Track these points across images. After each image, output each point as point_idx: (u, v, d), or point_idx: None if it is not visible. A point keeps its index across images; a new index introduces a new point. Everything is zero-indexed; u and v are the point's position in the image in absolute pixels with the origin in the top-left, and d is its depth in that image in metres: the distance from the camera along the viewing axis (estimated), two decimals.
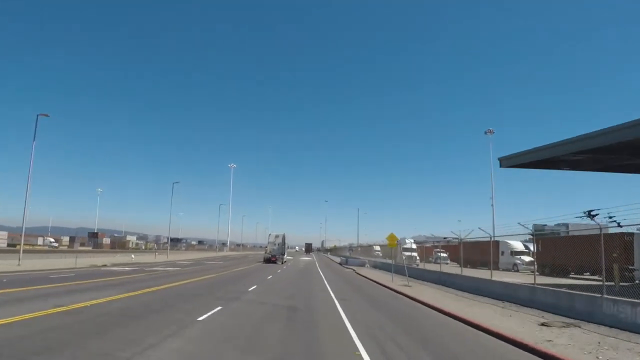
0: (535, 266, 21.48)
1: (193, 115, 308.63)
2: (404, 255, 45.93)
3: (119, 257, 54.74)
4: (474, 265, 44.35)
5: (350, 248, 68.70)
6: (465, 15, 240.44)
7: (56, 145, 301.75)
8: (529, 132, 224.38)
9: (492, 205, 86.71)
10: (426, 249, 72.60)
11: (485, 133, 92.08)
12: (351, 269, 46.35)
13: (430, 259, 64.60)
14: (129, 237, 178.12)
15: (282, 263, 55.59)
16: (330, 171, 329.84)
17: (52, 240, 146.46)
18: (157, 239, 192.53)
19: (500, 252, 48.78)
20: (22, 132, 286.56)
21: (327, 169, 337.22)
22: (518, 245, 48.35)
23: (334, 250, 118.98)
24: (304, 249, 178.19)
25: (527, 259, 44.37)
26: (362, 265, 49.51)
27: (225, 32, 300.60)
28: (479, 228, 32.60)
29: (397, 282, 27.00)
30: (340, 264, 58.45)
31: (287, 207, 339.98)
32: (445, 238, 46.69)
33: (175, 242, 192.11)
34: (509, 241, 49.13)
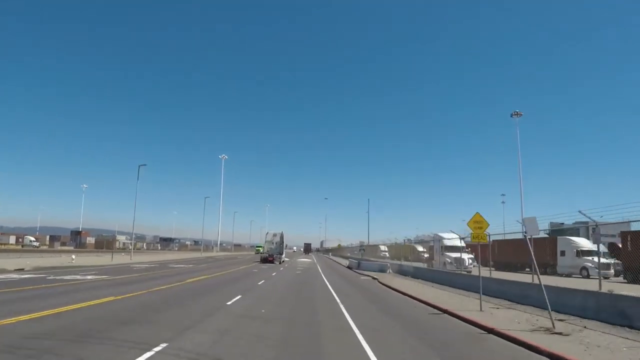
0: None
1: (193, 115, 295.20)
2: (447, 258, 31.67)
3: (63, 258, 40.99)
4: (513, 268, 34.73)
5: (362, 247, 54.27)
6: (465, 15, 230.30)
7: (56, 147, 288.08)
8: (530, 132, 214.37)
9: (521, 195, 72.93)
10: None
11: (512, 116, 78.92)
12: (368, 275, 32.02)
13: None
14: (118, 237, 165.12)
15: (280, 263, 50.11)
16: (330, 171, 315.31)
17: (32, 239, 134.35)
18: (154, 239, 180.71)
19: (558, 252, 35.64)
20: (20, 133, 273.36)
21: (326, 169, 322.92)
22: (585, 243, 35.13)
23: (336, 251, 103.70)
24: (302, 249, 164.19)
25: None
26: (383, 270, 35.12)
27: (225, 32, 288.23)
28: (518, 221, 19.80)
29: (493, 312, 12.85)
30: (349, 267, 44.01)
31: (286, 208, 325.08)
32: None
33: (167, 241, 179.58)
34: (572, 238, 35.93)
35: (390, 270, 34.62)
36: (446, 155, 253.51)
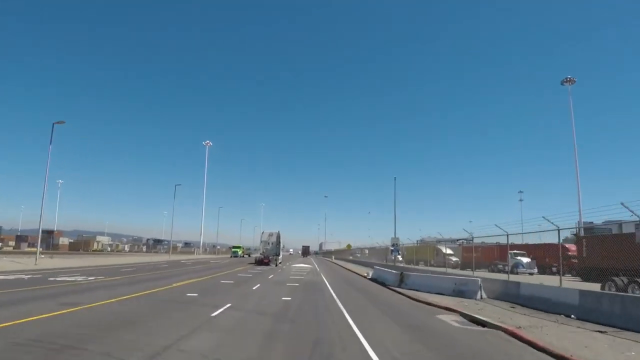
0: None
1: (192, 115, 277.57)
2: None
3: None
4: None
5: (395, 246, 34.84)
6: (465, 15, 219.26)
7: (54, 147, 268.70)
8: (530, 131, 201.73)
9: (577, 181, 55.26)
10: (483, 251, 40.66)
11: (562, 83, 62.20)
12: (451, 310, 12.88)
13: (501, 265, 33.63)
14: (100, 238, 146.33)
15: (276, 266, 44.17)
16: (328, 173, 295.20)
17: None
18: (149, 242, 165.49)
19: None
20: (19, 133, 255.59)
21: (325, 170, 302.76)
22: None
23: (341, 253, 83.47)
24: (300, 251, 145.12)
25: None
26: (465, 291, 15.86)
27: (225, 32, 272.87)
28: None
29: None
30: (381, 283, 23.82)
31: (282, 210, 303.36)
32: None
33: (156, 243, 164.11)
34: None
35: (483, 294, 15.55)
36: (447, 155, 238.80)
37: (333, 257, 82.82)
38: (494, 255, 40.81)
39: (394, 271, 22.09)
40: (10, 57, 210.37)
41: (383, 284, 22.54)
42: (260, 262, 45.15)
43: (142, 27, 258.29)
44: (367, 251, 63.03)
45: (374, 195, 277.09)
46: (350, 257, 70.88)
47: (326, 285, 21.44)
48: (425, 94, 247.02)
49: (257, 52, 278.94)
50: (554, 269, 31.68)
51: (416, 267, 35.84)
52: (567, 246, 34.65)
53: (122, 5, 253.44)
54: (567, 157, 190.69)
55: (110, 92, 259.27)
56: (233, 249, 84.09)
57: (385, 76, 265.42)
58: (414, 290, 18.41)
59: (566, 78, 58.75)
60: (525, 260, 36.68)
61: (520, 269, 36.10)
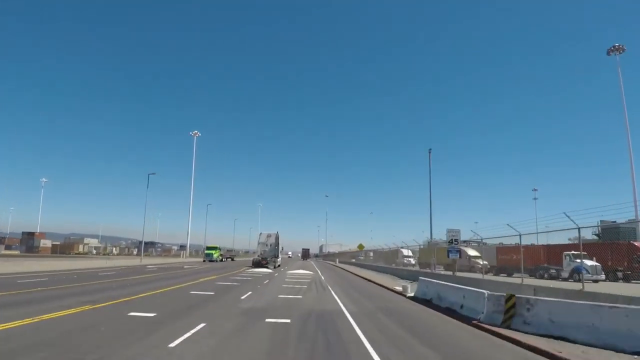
0: None
1: (192, 115, 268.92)
2: None
3: None
4: None
5: (454, 245, 22.85)
6: (465, 15, 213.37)
7: (55, 148, 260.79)
8: (531, 130, 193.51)
9: (632, 169, 46.45)
10: (526, 252, 30.46)
11: (609, 54, 53.41)
12: None
13: (553, 270, 28.18)
14: (89, 240, 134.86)
15: (275, 268, 42.22)
16: (328, 174, 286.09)
17: None
18: (150, 245, 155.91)
19: None
20: (20, 133, 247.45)
21: (325, 170, 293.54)
22: None
23: (343, 256, 72.18)
24: (299, 254, 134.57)
25: None
26: None
27: (225, 32, 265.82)
28: None
29: None
30: (440, 309, 12.66)
31: (281, 212, 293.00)
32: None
33: (149, 245, 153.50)
34: None
35: None
36: (446, 155, 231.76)
37: (337, 260, 71.48)
38: (540, 258, 32.47)
39: (485, 292, 10.53)
40: (10, 57, 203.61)
41: (453, 312, 11.36)
42: (258, 264, 43.14)
43: (142, 27, 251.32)
44: (371, 254, 53.26)
45: (375, 196, 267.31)
46: (353, 260, 60.95)
47: (350, 324, 10.21)
48: (425, 94, 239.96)
49: (257, 52, 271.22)
50: (619, 274, 25.10)
51: (402, 266, 25.62)
52: (636, 244, 25.73)
53: (122, 5, 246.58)
54: (567, 157, 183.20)
55: (111, 92, 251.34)
56: (207, 251, 64.29)
57: (385, 76, 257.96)
58: (556, 338, 7.24)
59: (613, 46, 49.58)
60: (590, 263, 27.25)
61: (585, 275, 26.18)
